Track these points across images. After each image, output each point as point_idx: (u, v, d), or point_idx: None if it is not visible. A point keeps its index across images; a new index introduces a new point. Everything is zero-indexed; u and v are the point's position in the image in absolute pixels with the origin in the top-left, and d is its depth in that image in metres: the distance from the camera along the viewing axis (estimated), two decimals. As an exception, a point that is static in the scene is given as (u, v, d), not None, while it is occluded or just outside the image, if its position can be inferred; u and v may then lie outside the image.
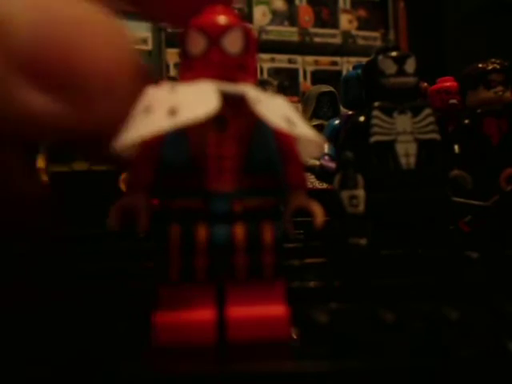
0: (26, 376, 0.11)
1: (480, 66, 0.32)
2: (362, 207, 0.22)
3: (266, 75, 1.68)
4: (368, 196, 0.22)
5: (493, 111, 0.31)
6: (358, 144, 0.23)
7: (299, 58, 1.71)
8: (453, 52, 1.39)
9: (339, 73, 1.71)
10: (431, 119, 0.23)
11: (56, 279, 0.21)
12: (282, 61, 1.70)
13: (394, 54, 0.23)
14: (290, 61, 1.71)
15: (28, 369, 0.12)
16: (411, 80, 0.23)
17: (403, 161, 0.22)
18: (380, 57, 0.23)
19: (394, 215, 0.23)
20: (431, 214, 0.23)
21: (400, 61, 0.23)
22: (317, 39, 1.71)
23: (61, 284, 0.20)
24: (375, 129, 0.22)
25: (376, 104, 0.23)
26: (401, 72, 0.23)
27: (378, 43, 1.75)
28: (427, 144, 0.23)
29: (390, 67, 0.22)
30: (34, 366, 0.12)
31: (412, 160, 0.22)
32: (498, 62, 0.32)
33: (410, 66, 0.22)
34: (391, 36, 1.74)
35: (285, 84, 1.73)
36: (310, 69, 1.72)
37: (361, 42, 1.73)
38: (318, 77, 1.71)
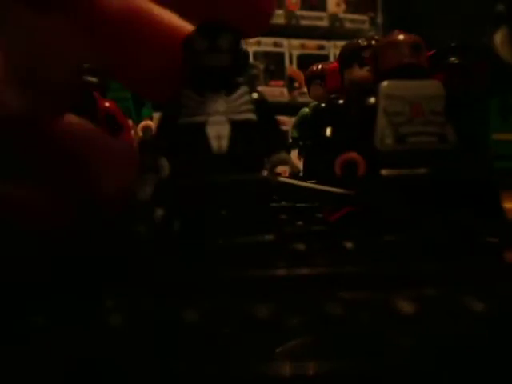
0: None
1: (354, 42, 0.30)
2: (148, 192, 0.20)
3: (251, 59, 1.66)
4: (175, 182, 0.21)
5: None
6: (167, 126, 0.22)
7: (285, 42, 1.69)
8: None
9: (326, 57, 1.68)
10: (247, 98, 0.22)
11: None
12: (267, 44, 1.68)
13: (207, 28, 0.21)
14: (275, 44, 1.69)
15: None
16: (225, 57, 0.21)
17: (214, 143, 0.21)
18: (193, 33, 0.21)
19: (201, 201, 0.21)
20: (245, 200, 0.21)
21: (212, 35, 0.21)
22: (304, 22, 1.68)
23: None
24: (184, 109, 0.21)
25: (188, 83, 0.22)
26: (214, 48, 0.21)
27: (366, 26, 1.72)
28: (242, 125, 0.21)
29: (201, 43, 0.21)
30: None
31: (224, 143, 0.21)
32: (372, 38, 0.30)
33: (225, 41, 0.21)
34: (379, 19, 1.70)
35: (270, 68, 1.71)
36: (296, 52, 1.69)
37: (348, 25, 1.70)
38: (304, 61, 1.68)
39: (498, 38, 0.23)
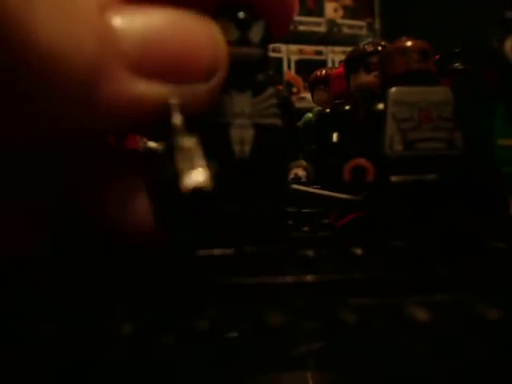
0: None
1: (360, 48, 0.30)
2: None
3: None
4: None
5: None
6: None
7: (283, 47, 1.69)
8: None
9: (324, 62, 1.68)
10: (273, 101, 0.21)
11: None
12: (265, 49, 1.68)
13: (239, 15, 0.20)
14: (273, 49, 1.68)
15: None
16: (256, 51, 0.20)
17: (237, 148, 0.20)
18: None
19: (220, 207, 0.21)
20: (264, 209, 0.21)
21: (245, 25, 0.19)
22: (301, 27, 1.68)
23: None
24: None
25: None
26: (245, 40, 0.20)
27: (364, 32, 1.72)
28: (266, 130, 0.20)
29: (232, 33, 0.19)
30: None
31: (247, 148, 0.20)
32: (378, 43, 0.30)
33: (257, 33, 0.19)
34: (377, 25, 1.71)
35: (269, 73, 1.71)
36: (294, 58, 1.70)
37: (346, 30, 1.70)
38: (302, 66, 1.68)
39: (509, 44, 0.23)
